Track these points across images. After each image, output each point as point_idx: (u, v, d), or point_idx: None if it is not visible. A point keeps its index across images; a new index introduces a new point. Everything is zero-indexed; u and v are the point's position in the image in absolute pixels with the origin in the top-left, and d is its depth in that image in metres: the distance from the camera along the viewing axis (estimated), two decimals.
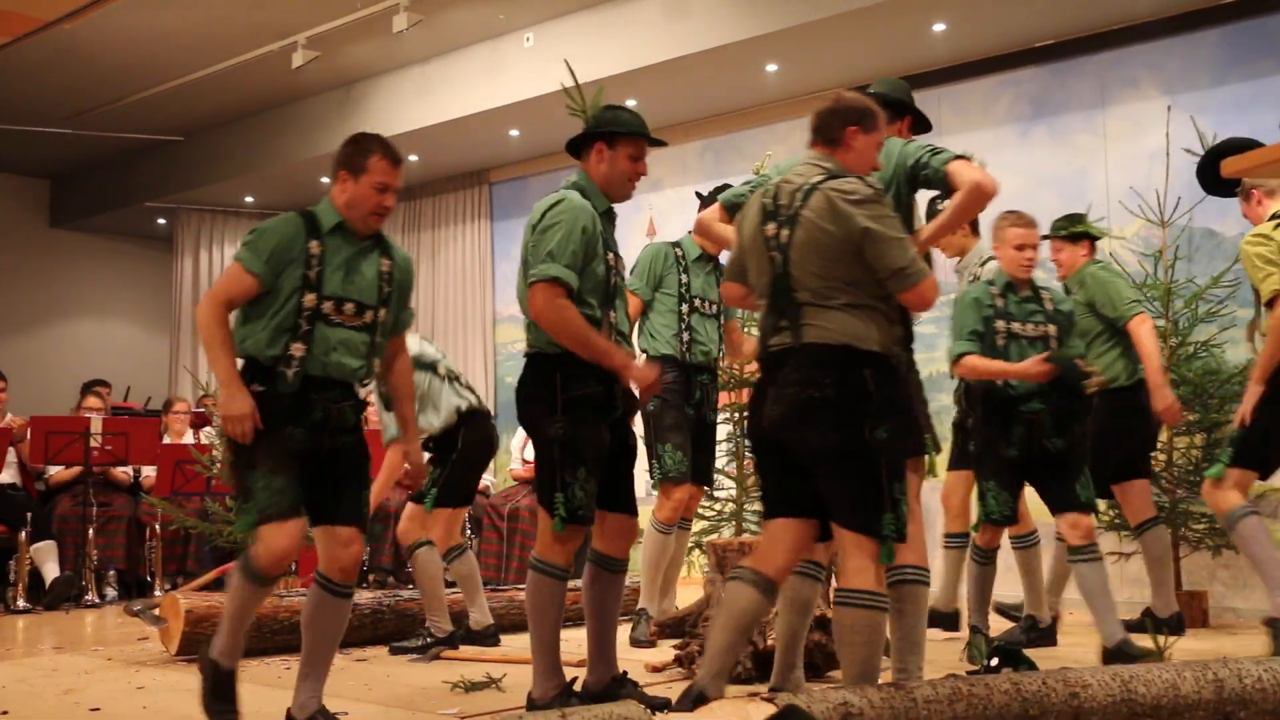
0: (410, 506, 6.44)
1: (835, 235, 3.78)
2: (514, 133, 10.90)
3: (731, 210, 4.55)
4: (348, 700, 4.60)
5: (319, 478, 4.13)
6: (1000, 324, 5.50)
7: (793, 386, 3.78)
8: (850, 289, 3.79)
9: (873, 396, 3.73)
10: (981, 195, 4.13)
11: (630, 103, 10.02)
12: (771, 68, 9.22)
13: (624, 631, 6.25)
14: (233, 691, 4.24)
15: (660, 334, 6.25)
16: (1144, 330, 6.25)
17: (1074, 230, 6.50)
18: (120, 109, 11.79)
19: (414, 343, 6.72)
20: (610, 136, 4.46)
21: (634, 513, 4.60)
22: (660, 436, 6.09)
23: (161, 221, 14.21)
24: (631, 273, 6.27)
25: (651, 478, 6.18)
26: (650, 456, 6.14)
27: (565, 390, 4.23)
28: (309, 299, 4.08)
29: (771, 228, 3.94)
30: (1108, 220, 7.71)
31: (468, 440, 6.42)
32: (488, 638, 6.33)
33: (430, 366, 6.45)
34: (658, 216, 10.60)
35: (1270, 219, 5.50)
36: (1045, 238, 6.44)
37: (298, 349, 4.05)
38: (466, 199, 12.35)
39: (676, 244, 6.46)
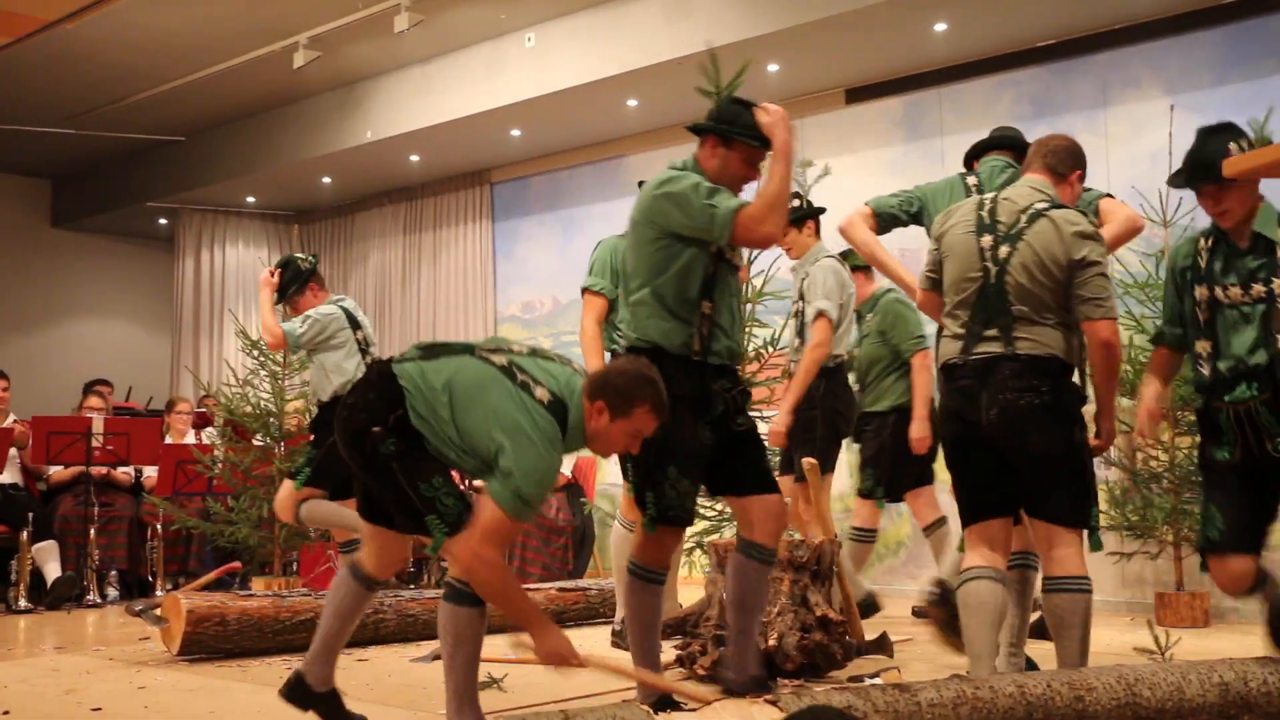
0: (285, 484, 6.70)
1: (1058, 260, 4.14)
2: (515, 133, 10.89)
3: (884, 219, 4.91)
4: (349, 700, 4.56)
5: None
6: None
7: (1013, 392, 4.09)
8: (1058, 308, 4.17)
9: (1077, 403, 4.21)
10: (1135, 229, 4.89)
11: (631, 102, 10.02)
12: (773, 67, 9.20)
13: (599, 632, 6.26)
14: None
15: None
16: (922, 365, 6.65)
17: (854, 263, 6.75)
18: (122, 109, 11.78)
19: (350, 303, 6.89)
20: (727, 136, 4.27)
21: (775, 490, 4.30)
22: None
23: (163, 221, 14.20)
24: (590, 272, 6.35)
25: (625, 478, 6.14)
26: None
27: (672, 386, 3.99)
28: None
29: (988, 240, 4.25)
30: None
31: None
32: None
33: (355, 326, 6.88)
34: None
35: None
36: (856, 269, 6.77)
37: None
38: (468, 199, 12.33)
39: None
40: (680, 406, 4.02)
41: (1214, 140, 4.14)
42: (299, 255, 7.11)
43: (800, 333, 6.16)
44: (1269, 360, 3.92)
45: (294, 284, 6.96)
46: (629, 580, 4.28)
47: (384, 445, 3.73)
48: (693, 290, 4.14)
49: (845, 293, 6.26)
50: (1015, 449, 4.15)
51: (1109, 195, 4.99)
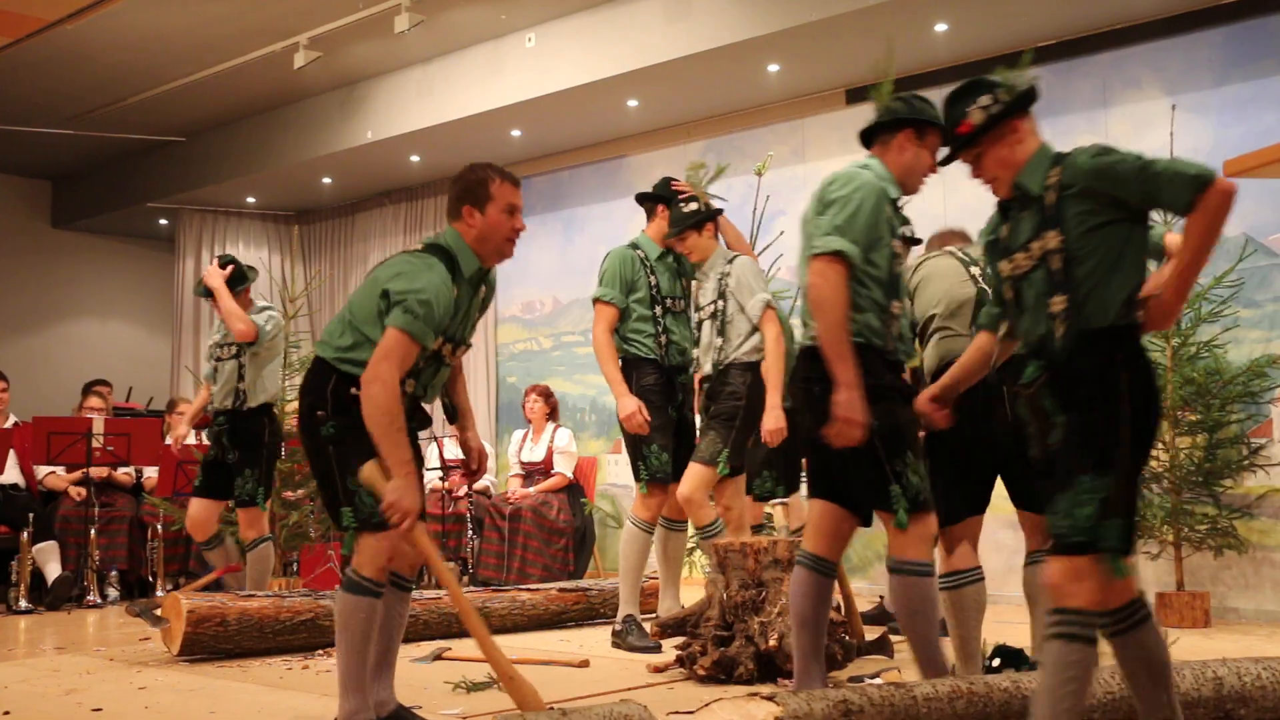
0: (242, 512, 6.99)
1: None
2: (516, 133, 10.91)
3: None
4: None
5: None
6: None
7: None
8: None
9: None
10: None
11: (631, 102, 10.05)
12: (773, 68, 9.23)
13: (599, 633, 6.30)
14: None
15: (639, 338, 6.26)
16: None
17: None
18: (122, 110, 11.80)
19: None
20: (923, 127, 4.30)
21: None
22: (645, 438, 6.11)
23: (163, 222, 14.22)
24: (600, 283, 6.34)
25: (637, 479, 6.19)
26: (635, 459, 6.16)
27: (871, 377, 3.99)
28: (438, 343, 4.13)
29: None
30: None
31: (274, 432, 7.09)
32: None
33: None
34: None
35: None
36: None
37: (410, 384, 4.11)
38: None
39: (635, 245, 6.46)
40: (895, 393, 4.16)
41: (956, 107, 3.64)
42: (237, 260, 7.23)
43: (722, 332, 6.03)
44: (1045, 333, 3.28)
45: (240, 284, 7.05)
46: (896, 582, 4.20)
47: (325, 428, 4.03)
48: None
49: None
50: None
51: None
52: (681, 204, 6.18)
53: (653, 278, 6.32)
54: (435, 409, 4.68)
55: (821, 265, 4.01)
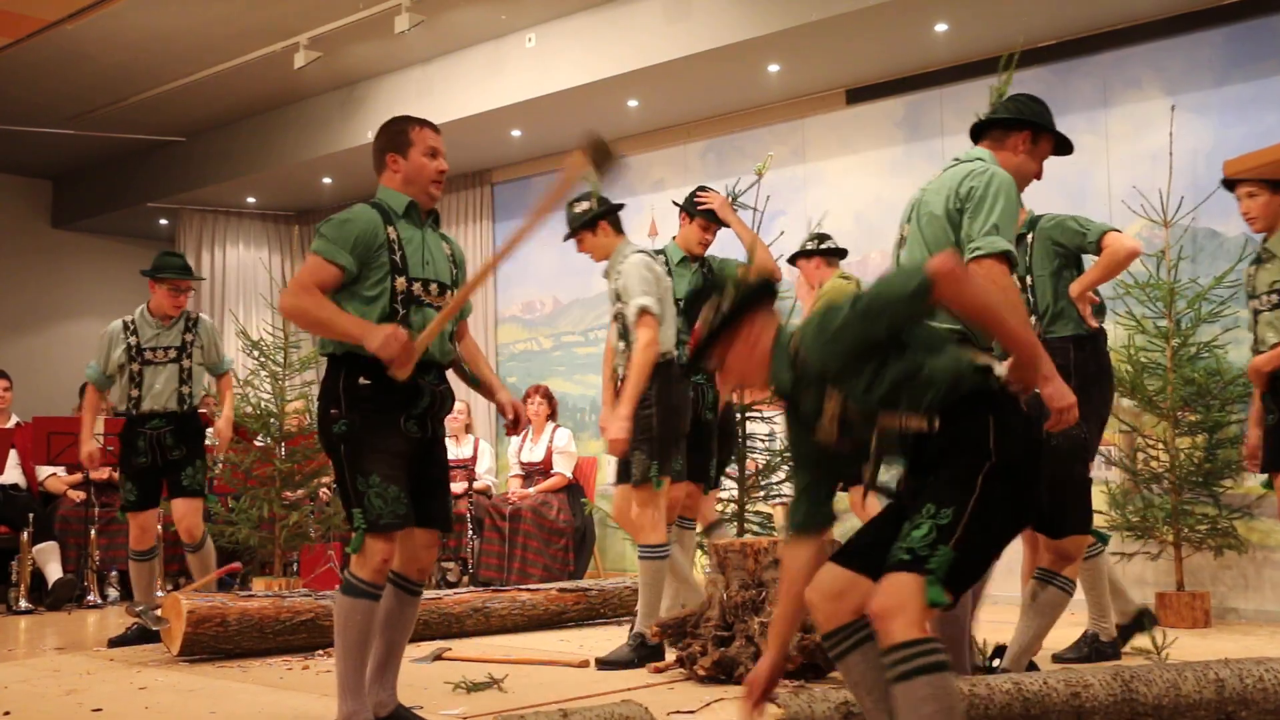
0: (187, 503, 6.97)
1: None
2: (516, 133, 10.91)
3: None
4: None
5: (414, 475, 4.14)
6: None
7: None
8: None
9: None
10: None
11: (632, 103, 10.04)
12: (773, 68, 9.22)
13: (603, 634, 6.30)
14: None
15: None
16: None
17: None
18: (122, 110, 11.80)
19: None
20: (1039, 131, 4.32)
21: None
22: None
23: (164, 222, 14.21)
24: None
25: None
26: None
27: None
28: (399, 283, 4.12)
29: None
30: (1110, 219, 7.71)
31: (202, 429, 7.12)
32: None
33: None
34: (658, 217, 10.61)
35: None
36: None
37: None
38: (468, 199, 12.35)
39: (660, 251, 6.47)
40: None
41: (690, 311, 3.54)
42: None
43: (624, 335, 5.90)
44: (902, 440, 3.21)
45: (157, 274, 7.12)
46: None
47: (337, 425, 4.04)
48: None
49: (660, 286, 5.96)
50: None
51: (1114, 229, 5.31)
52: (574, 204, 6.13)
53: (671, 281, 6.24)
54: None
55: (991, 266, 3.89)
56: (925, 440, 3.01)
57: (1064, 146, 4.42)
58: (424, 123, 4.32)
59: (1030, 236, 5.50)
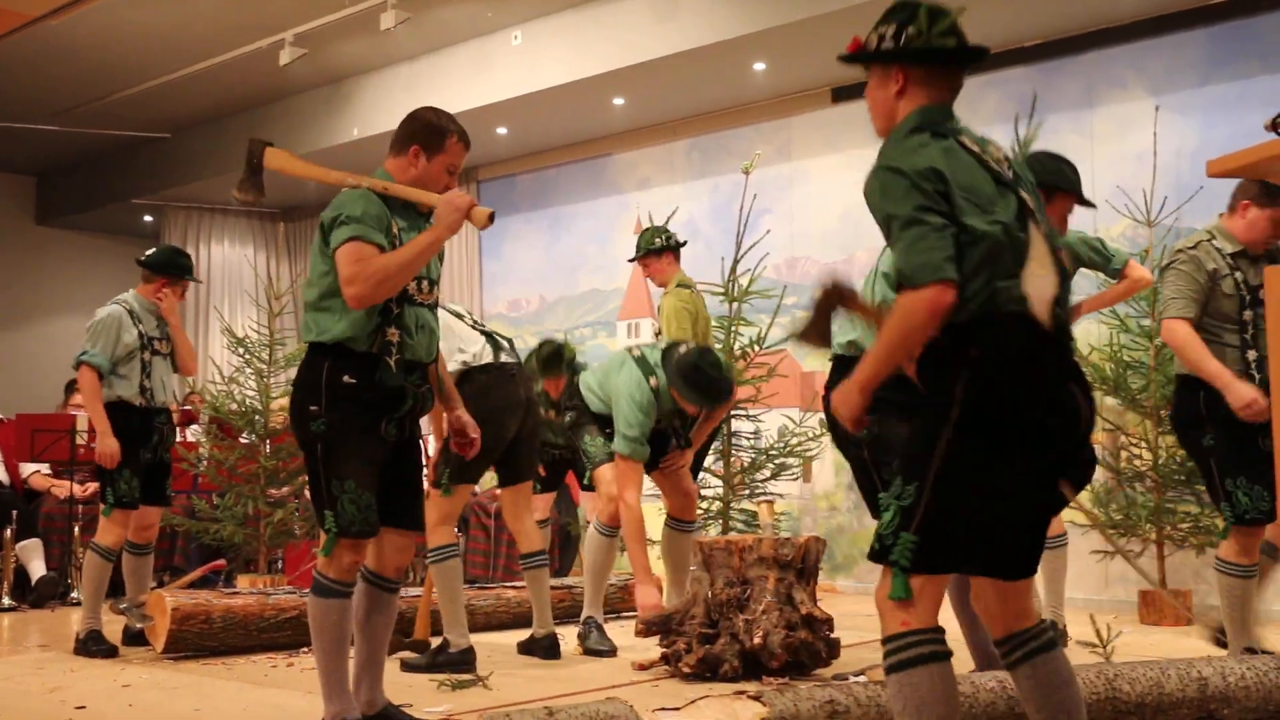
0: (159, 510, 6.78)
1: None
2: (502, 131, 10.91)
3: None
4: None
5: (388, 476, 4.06)
6: None
7: None
8: None
9: None
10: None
11: (618, 101, 10.05)
12: (759, 66, 9.23)
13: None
14: None
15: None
16: None
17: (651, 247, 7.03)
18: (107, 106, 11.77)
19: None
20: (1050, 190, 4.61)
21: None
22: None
23: (148, 219, 14.19)
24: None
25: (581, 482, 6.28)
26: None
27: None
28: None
29: None
30: (1095, 219, 7.73)
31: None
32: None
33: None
34: (644, 215, 10.59)
35: None
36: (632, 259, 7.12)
37: (394, 334, 3.97)
38: None
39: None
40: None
41: None
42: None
43: None
44: None
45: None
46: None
47: (315, 423, 3.91)
48: None
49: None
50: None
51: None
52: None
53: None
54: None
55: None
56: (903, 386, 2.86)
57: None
58: (464, 137, 4.24)
59: None
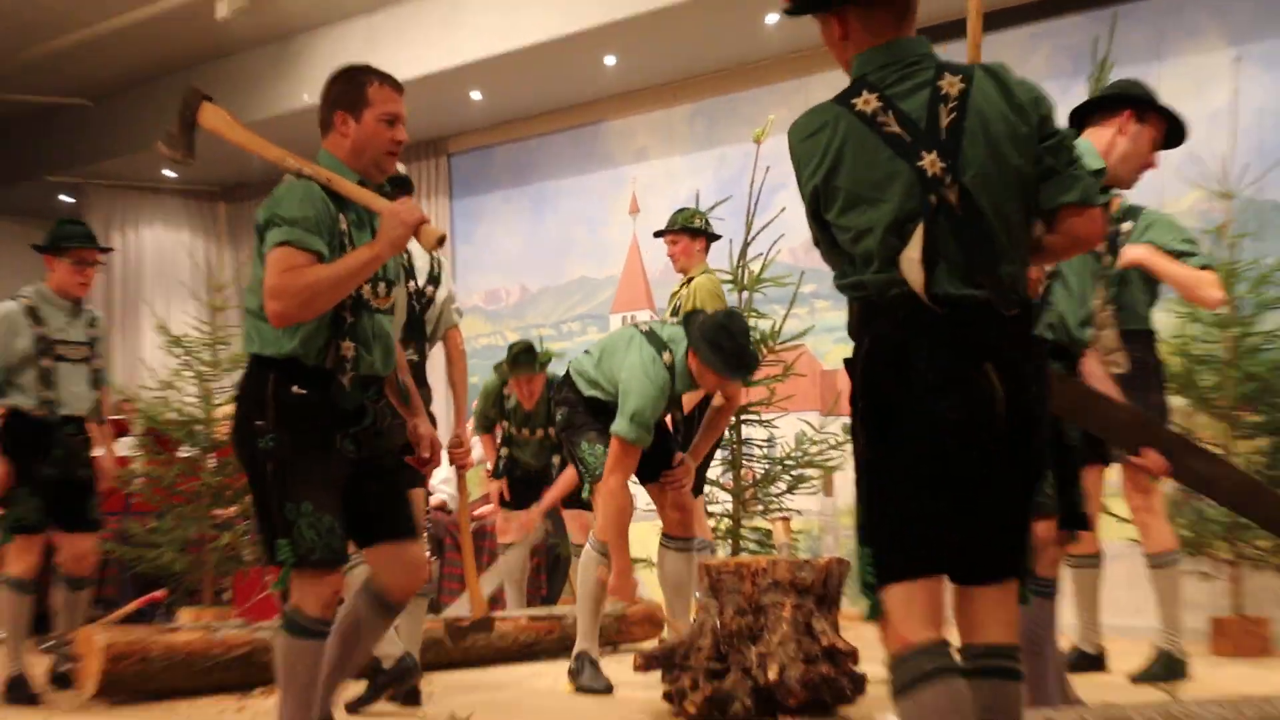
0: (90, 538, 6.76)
1: None
2: (476, 95, 10.97)
3: None
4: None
5: (361, 493, 4.08)
6: None
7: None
8: None
9: None
10: None
11: (609, 59, 10.11)
12: (771, 18, 9.28)
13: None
14: None
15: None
16: None
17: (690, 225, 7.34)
18: (17, 67, 11.80)
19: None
20: (1145, 109, 4.46)
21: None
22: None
23: (66, 199, 14.21)
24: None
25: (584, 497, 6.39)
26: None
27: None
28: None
29: None
30: (1161, 191, 7.74)
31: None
32: None
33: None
34: (641, 191, 10.69)
35: None
36: (660, 233, 7.29)
37: (348, 348, 4.00)
38: (422, 171, 12.35)
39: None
40: None
41: None
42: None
43: None
44: None
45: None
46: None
47: (263, 440, 3.91)
48: None
49: None
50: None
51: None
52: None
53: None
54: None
55: None
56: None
57: (1175, 134, 4.57)
58: (386, 78, 4.21)
59: (1127, 227, 5.77)
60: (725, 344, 5.84)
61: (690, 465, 6.38)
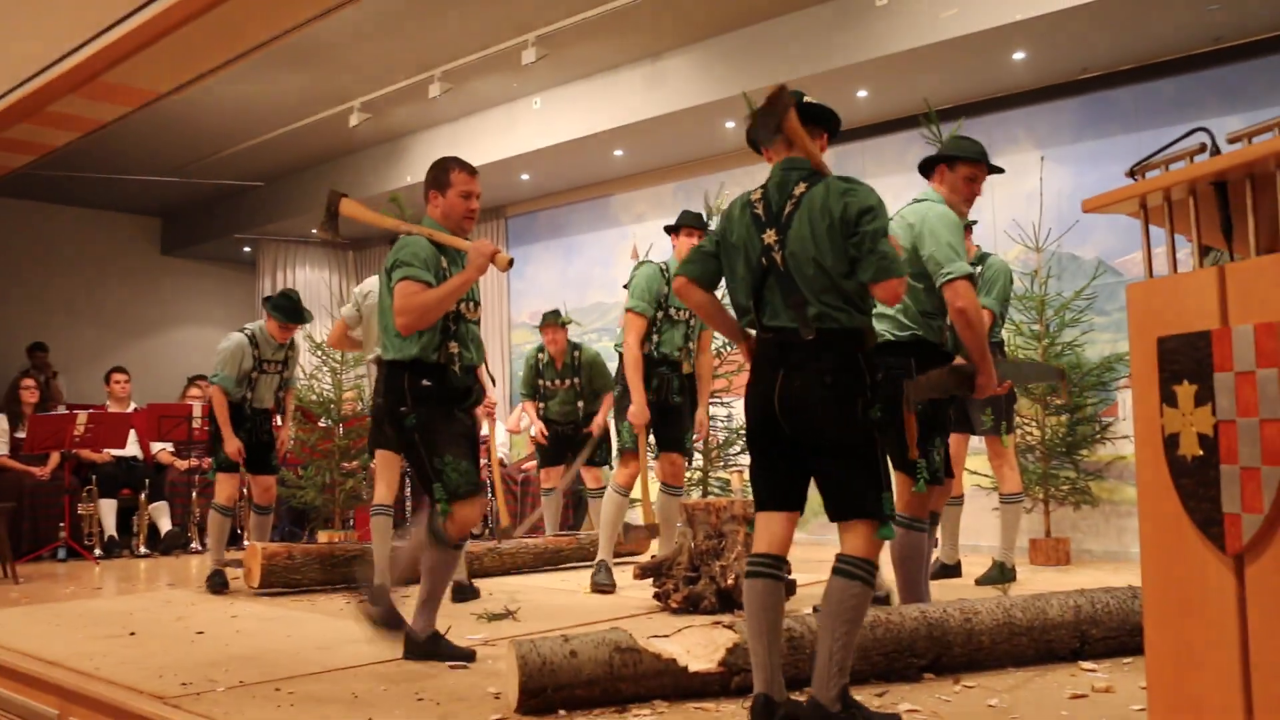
0: (270, 478, 6.73)
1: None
2: (525, 177, 10.90)
3: None
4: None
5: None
6: None
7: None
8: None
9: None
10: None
11: (618, 152, 10.03)
12: (729, 124, 9.23)
13: (580, 577, 6.27)
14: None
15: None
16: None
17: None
18: (215, 160, 11.74)
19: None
20: (952, 161, 4.22)
21: None
22: (618, 417, 6.06)
23: (247, 250, 14.16)
24: (632, 295, 5.94)
25: (620, 448, 6.09)
26: (616, 433, 6.14)
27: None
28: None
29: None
30: (995, 246, 7.74)
31: None
32: None
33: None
34: (640, 243, 10.62)
35: None
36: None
37: (454, 347, 4.05)
38: (487, 230, 12.31)
39: (664, 264, 6.09)
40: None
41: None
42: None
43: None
44: None
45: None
46: (900, 534, 4.07)
47: (409, 419, 3.98)
48: None
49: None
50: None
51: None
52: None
53: (666, 289, 5.96)
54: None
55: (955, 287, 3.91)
56: None
57: (986, 166, 4.29)
58: (463, 167, 4.17)
59: (977, 270, 5.59)
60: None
61: (705, 421, 6.27)
